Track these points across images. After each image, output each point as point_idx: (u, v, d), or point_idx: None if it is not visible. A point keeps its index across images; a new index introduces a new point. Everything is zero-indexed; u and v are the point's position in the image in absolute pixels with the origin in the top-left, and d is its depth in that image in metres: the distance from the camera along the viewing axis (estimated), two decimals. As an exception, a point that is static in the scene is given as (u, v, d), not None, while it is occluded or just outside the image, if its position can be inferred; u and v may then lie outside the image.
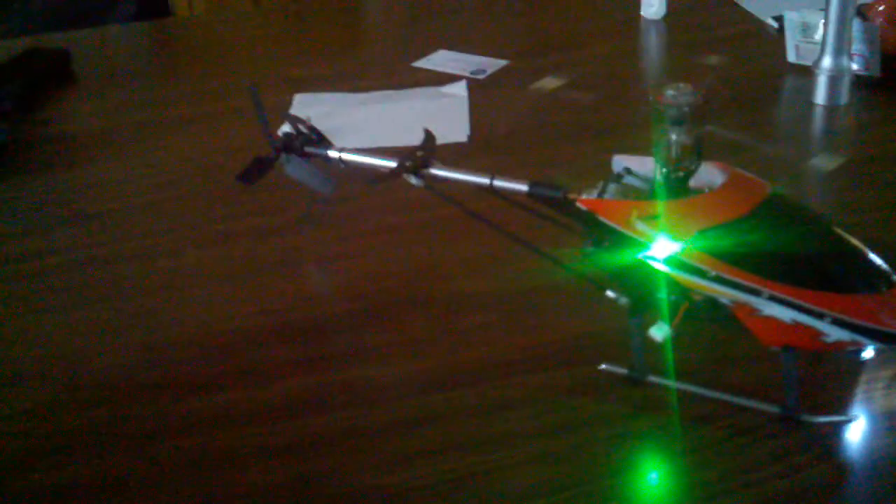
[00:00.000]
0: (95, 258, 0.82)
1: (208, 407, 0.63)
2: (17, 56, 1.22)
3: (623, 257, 0.57)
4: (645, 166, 0.59)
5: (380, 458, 0.58)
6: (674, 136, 0.54)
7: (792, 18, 1.08)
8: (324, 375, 0.66)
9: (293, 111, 1.05)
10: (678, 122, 0.54)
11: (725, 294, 0.55)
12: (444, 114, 1.04)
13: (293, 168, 0.75)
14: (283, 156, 0.74)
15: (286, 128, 0.75)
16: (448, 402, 0.62)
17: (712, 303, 0.56)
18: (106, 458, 0.60)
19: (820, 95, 1.00)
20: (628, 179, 0.60)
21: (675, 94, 0.54)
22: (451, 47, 1.22)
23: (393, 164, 0.68)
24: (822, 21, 0.99)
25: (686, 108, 0.53)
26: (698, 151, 0.55)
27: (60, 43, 1.28)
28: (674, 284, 0.56)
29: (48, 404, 0.65)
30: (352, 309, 0.73)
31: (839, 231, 0.55)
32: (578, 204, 0.59)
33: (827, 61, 0.98)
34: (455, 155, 0.92)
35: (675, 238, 0.55)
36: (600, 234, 0.58)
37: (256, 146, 0.76)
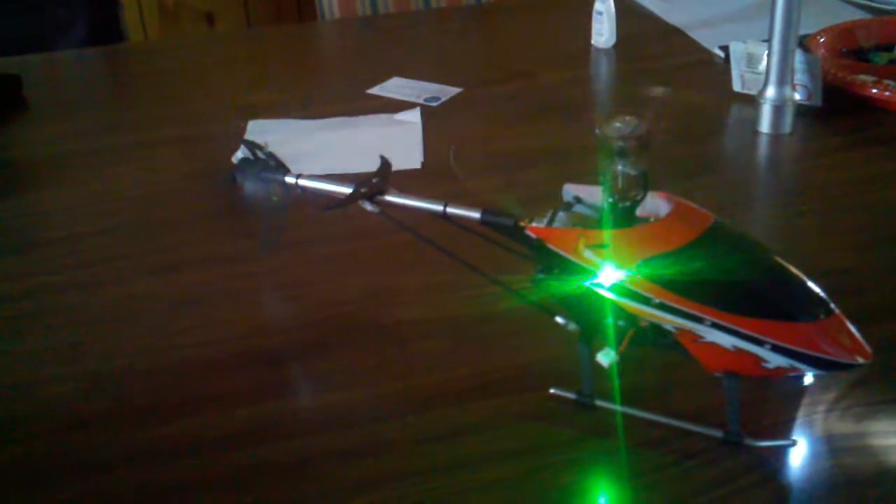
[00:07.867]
0: (43, 287, 0.81)
1: (160, 437, 0.63)
2: (-33, 81, 1.21)
3: (571, 284, 0.58)
4: (594, 195, 0.60)
5: (332, 486, 0.58)
6: (620, 168, 0.55)
7: (737, 49, 1.10)
8: (276, 404, 0.66)
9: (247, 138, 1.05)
10: (624, 154, 0.55)
11: (669, 321, 0.56)
12: (399, 141, 1.05)
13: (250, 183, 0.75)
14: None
15: (241, 153, 0.76)
16: (400, 428, 0.63)
17: (657, 329, 0.57)
18: (55, 491, 0.59)
19: (764, 124, 1.02)
20: (578, 208, 0.62)
21: (622, 126, 0.55)
22: (405, 74, 1.23)
23: (348, 190, 0.69)
24: (766, 52, 1.01)
25: (632, 141, 0.54)
26: (644, 182, 0.57)
27: (12, 68, 1.27)
28: (620, 311, 0.57)
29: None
30: (304, 336, 0.73)
31: (779, 260, 0.56)
32: (528, 232, 0.60)
33: (771, 91, 1.01)
34: (409, 181, 0.92)
35: (620, 266, 0.56)
36: (550, 261, 0.59)
37: (209, 172, 0.76)
